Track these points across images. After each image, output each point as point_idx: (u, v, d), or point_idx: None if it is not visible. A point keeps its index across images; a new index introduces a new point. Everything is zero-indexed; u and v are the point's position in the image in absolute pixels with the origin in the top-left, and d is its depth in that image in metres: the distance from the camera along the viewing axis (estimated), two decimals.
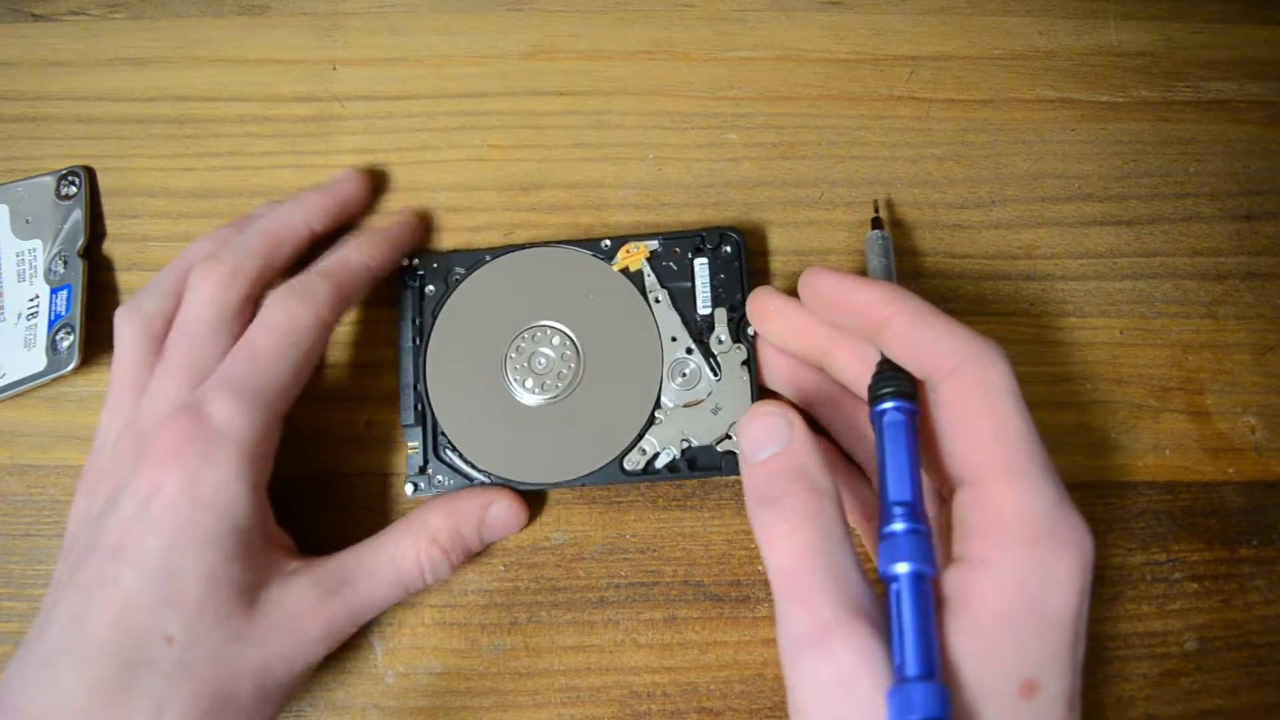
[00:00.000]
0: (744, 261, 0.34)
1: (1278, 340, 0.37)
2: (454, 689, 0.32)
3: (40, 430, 0.35)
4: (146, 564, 0.26)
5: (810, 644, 0.23)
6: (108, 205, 0.38)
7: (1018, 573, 0.23)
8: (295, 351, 0.29)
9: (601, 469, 0.32)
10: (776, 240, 0.37)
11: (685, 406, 0.33)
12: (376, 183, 0.38)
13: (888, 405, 0.26)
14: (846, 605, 0.23)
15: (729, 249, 0.34)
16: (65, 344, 0.35)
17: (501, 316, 0.34)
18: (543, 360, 0.32)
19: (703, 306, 0.33)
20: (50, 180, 0.38)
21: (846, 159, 0.39)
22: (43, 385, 0.35)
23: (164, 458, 0.27)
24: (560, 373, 0.32)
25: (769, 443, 0.26)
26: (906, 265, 0.37)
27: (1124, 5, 0.42)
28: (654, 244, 0.34)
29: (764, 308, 0.32)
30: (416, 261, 0.34)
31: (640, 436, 0.32)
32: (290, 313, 0.29)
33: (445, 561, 0.31)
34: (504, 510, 0.32)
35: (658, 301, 0.33)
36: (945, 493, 0.27)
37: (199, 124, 0.39)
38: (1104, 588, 0.34)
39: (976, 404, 0.25)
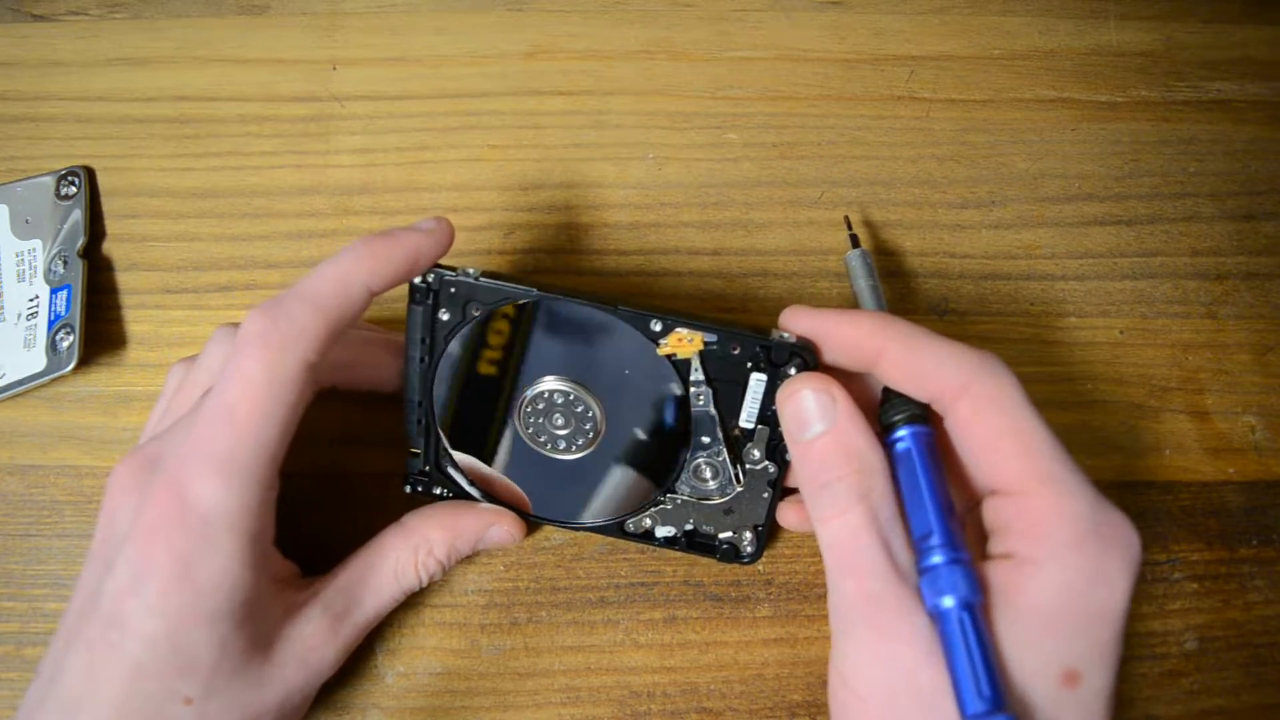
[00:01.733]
0: None
1: (1278, 340, 0.37)
2: (454, 689, 0.32)
3: (40, 430, 0.35)
4: (154, 639, 0.25)
5: (858, 612, 0.24)
6: (108, 205, 0.38)
7: (1065, 572, 0.23)
8: (281, 409, 0.25)
9: (602, 525, 0.32)
10: (777, 240, 0.37)
11: (699, 500, 0.32)
12: (378, 182, 0.38)
13: (903, 433, 0.26)
14: (894, 577, 0.24)
15: (794, 371, 0.28)
16: (65, 344, 0.35)
17: (523, 361, 0.30)
18: (560, 418, 0.31)
19: (745, 420, 0.30)
20: (50, 180, 0.38)
21: (846, 159, 0.39)
22: (43, 385, 0.35)
23: (151, 536, 0.25)
24: (576, 438, 0.31)
25: (814, 420, 0.26)
26: (908, 265, 0.37)
27: (1124, 5, 0.42)
28: (711, 338, 0.29)
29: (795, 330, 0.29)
30: (431, 279, 0.29)
31: (645, 511, 0.32)
32: (270, 365, 0.25)
33: (441, 570, 0.31)
34: (502, 533, 0.31)
35: (699, 401, 0.30)
36: (973, 502, 0.27)
37: (199, 124, 0.39)
38: None
39: (996, 420, 0.25)
